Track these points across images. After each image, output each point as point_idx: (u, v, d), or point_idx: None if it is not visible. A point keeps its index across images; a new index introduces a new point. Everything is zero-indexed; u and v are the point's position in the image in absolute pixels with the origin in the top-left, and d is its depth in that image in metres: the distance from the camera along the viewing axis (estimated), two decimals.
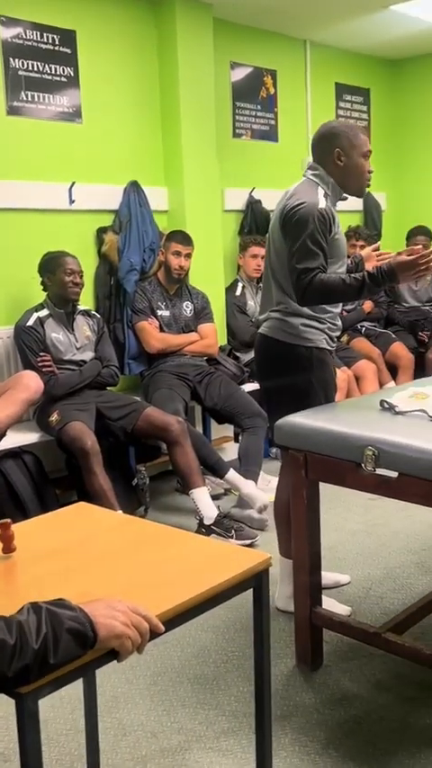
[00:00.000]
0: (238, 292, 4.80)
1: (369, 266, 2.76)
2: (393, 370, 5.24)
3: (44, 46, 3.98)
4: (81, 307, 3.84)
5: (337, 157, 2.61)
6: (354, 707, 2.26)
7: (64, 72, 4.07)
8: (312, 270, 2.47)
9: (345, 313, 4.88)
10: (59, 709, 2.27)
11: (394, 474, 2.11)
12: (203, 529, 3.49)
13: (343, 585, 3.01)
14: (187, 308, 4.29)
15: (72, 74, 4.11)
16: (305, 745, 2.09)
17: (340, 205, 2.72)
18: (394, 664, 2.44)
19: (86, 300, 4.06)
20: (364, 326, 5.40)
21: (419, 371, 5.09)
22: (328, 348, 2.72)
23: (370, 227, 5.89)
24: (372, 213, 6.00)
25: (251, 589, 1.51)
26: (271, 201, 5.12)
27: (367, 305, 5.39)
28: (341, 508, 3.75)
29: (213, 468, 3.84)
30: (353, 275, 2.54)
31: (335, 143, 2.61)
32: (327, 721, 2.20)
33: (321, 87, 5.67)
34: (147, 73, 4.45)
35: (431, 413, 2.28)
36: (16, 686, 1.10)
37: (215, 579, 1.42)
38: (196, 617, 1.40)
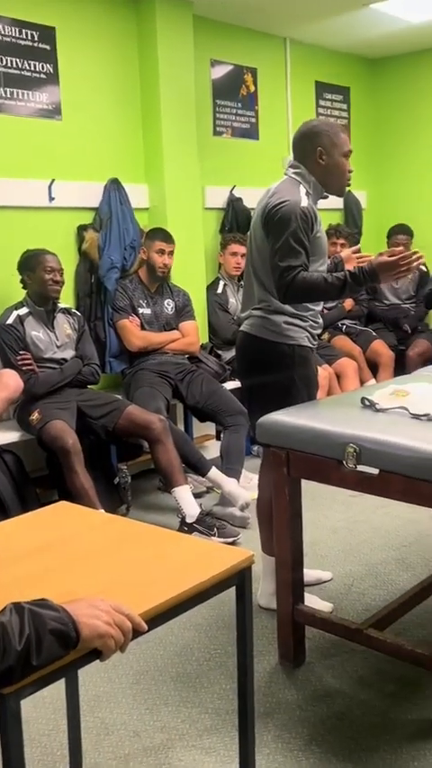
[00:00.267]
0: (220, 290, 4.80)
1: (350, 267, 2.77)
2: (374, 368, 5.27)
3: (23, 42, 3.95)
4: (61, 305, 3.82)
5: (318, 156, 2.62)
6: (336, 703, 2.28)
7: (43, 69, 4.04)
8: (295, 268, 2.48)
9: (326, 311, 4.90)
10: (41, 708, 2.26)
11: (375, 471, 2.12)
12: (186, 527, 3.49)
13: (325, 582, 3.02)
14: (168, 305, 4.28)
15: (51, 70, 4.08)
16: (288, 742, 2.10)
17: (321, 203, 2.73)
18: (376, 660, 2.45)
19: (67, 298, 4.04)
20: (344, 324, 5.42)
21: (400, 369, 5.12)
22: (310, 346, 2.72)
23: (350, 225, 5.91)
24: (352, 212, 6.02)
25: (234, 587, 1.51)
26: (252, 199, 5.11)
27: (348, 303, 5.41)
28: (323, 505, 3.76)
29: (195, 466, 3.84)
30: (335, 274, 2.55)
31: (316, 142, 2.62)
32: (309, 718, 2.21)
33: (301, 85, 5.68)
34: (127, 70, 4.44)
35: (412, 410, 2.29)
36: None
37: (198, 577, 1.42)
38: (179, 615, 1.40)
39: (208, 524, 3.49)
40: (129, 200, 4.32)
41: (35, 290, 3.69)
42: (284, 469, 2.36)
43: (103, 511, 3.19)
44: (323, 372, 4.42)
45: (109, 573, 1.46)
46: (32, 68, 4.00)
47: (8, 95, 3.91)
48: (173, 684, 2.40)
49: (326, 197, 2.73)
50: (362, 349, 5.25)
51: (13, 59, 3.91)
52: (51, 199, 4.07)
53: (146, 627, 1.25)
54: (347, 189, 2.81)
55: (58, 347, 3.72)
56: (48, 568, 1.47)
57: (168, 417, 3.83)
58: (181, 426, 4.38)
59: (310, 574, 2.88)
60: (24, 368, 3.55)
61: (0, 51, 3.85)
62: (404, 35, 5.53)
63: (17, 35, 3.92)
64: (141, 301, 4.20)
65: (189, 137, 4.58)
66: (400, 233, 5.72)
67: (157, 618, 1.33)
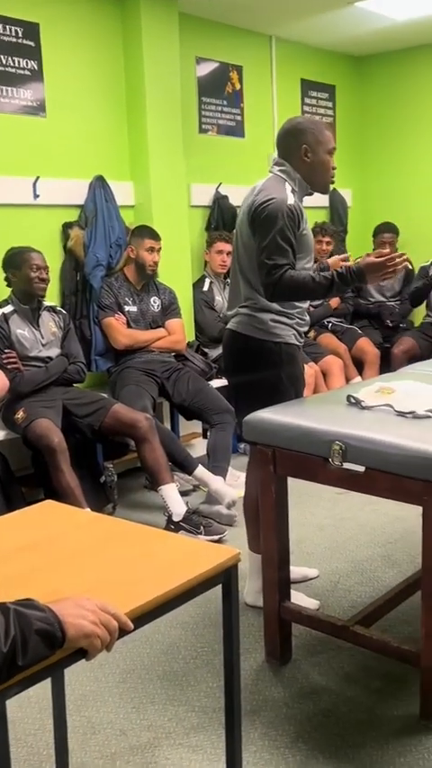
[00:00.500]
0: (206, 288, 4.80)
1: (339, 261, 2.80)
2: (360, 366, 5.28)
3: (7, 38, 3.92)
4: (46, 303, 3.80)
5: (303, 154, 2.63)
6: (322, 700, 2.28)
7: (27, 65, 4.02)
8: (282, 266, 2.48)
9: (312, 309, 4.91)
10: (27, 708, 2.25)
11: (361, 468, 2.13)
12: (172, 525, 3.49)
13: (311, 579, 3.03)
14: (154, 303, 4.27)
15: (36, 67, 4.06)
16: (275, 740, 2.10)
17: (307, 201, 2.74)
18: (362, 656, 2.46)
19: (52, 296, 4.02)
20: (330, 322, 5.43)
21: (385, 366, 5.14)
22: (297, 343, 2.73)
23: (336, 223, 5.93)
24: (338, 210, 6.04)
25: (220, 585, 1.51)
26: (237, 197, 5.12)
27: (334, 301, 5.42)
28: (309, 503, 3.77)
29: (182, 464, 3.84)
30: (322, 273, 2.57)
31: (301, 139, 2.62)
32: (296, 715, 2.21)
33: (287, 83, 5.69)
34: (112, 67, 4.42)
35: (397, 407, 2.30)
36: None
37: (184, 576, 1.41)
38: (165, 614, 1.39)
39: (194, 522, 3.49)
40: (114, 197, 4.31)
41: (20, 288, 3.67)
42: (271, 467, 2.36)
43: (89, 510, 3.18)
44: (309, 370, 4.43)
45: (95, 572, 1.46)
46: (17, 65, 3.98)
47: None
48: (159, 683, 2.39)
49: (311, 194, 2.73)
50: (347, 347, 5.27)
51: None
52: (36, 196, 4.05)
53: (132, 626, 1.24)
54: (332, 186, 2.81)
55: (43, 345, 3.71)
56: (33, 568, 1.47)
57: (155, 416, 3.83)
58: (167, 424, 4.37)
59: (296, 571, 2.87)
60: (9, 366, 3.53)
61: None
62: (389, 33, 5.54)
63: (1, 31, 3.89)
64: (127, 299, 4.19)
65: (175, 134, 4.57)
66: (385, 231, 5.74)
67: (144, 617, 1.32)
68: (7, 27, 3.91)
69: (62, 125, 4.19)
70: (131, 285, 4.23)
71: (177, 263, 4.61)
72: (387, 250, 2.69)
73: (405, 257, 2.56)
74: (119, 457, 4.06)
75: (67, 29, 4.18)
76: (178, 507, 3.53)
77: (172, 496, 3.56)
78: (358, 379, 5.09)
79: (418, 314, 5.76)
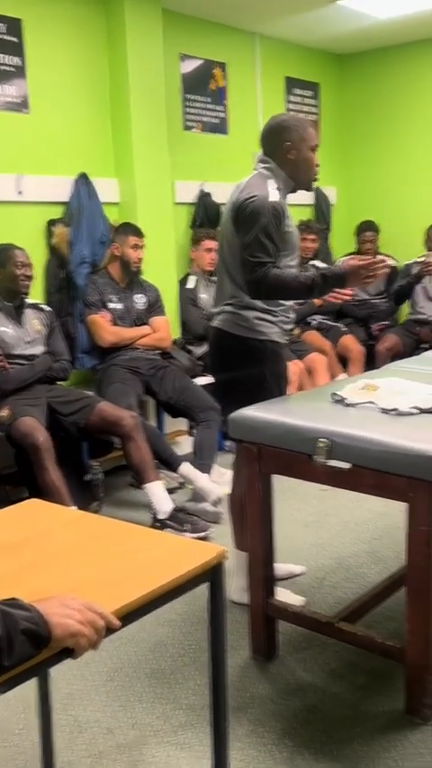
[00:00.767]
0: (191, 285, 4.79)
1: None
2: (344, 363, 5.30)
3: None
4: (30, 300, 3.79)
5: (287, 151, 2.63)
6: (308, 696, 2.29)
7: (10, 61, 4.00)
8: (265, 263, 2.48)
9: (296, 306, 4.91)
10: (12, 708, 2.25)
11: (346, 465, 2.13)
12: (158, 523, 3.49)
13: (297, 576, 3.04)
14: (139, 300, 4.26)
15: (19, 63, 4.04)
16: (261, 736, 2.11)
17: (291, 199, 2.74)
18: (347, 652, 2.47)
19: (36, 294, 4.01)
20: (315, 319, 5.44)
21: (370, 364, 5.16)
22: (281, 341, 2.73)
23: (320, 221, 5.94)
24: (321, 207, 6.05)
25: (206, 582, 1.51)
26: (222, 194, 5.12)
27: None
28: (294, 500, 3.78)
29: (167, 461, 3.83)
30: (305, 274, 2.57)
31: (285, 137, 2.63)
32: (282, 711, 2.22)
33: (271, 81, 5.69)
34: (95, 63, 4.40)
35: (381, 404, 2.31)
36: None
37: (170, 574, 1.41)
38: (152, 612, 1.39)
39: (180, 520, 3.49)
40: (98, 194, 4.29)
41: (4, 286, 3.65)
42: (256, 465, 2.36)
43: (74, 508, 3.17)
44: (294, 367, 4.44)
45: (81, 570, 1.46)
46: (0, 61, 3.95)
47: None
48: (146, 681, 2.39)
49: (295, 191, 2.74)
50: (332, 344, 5.28)
51: None
52: (19, 193, 4.03)
53: (118, 624, 1.24)
54: (317, 184, 2.82)
55: (27, 343, 3.69)
56: (19, 567, 1.46)
57: (140, 413, 3.82)
58: (153, 422, 4.37)
59: (282, 568, 2.89)
60: None
61: None
62: (372, 31, 5.56)
63: None
64: (112, 296, 4.18)
65: (159, 131, 4.56)
66: (367, 230, 5.76)
67: (130, 615, 1.32)
68: None
69: (46, 121, 4.17)
70: (116, 282, 4.22)
71: (162, 261, 4.61)
72: (369, 257, 2.69)
73: (385, 263, 2.59)
74: (104, 455, 4.05)
75: (50, 25, 4.16)
76: (164, 505, 3.53)
77: (158, 494, 3.55)
78: (343, 376, 5.11)
79: (403, 311, 5.79)
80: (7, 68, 3.99)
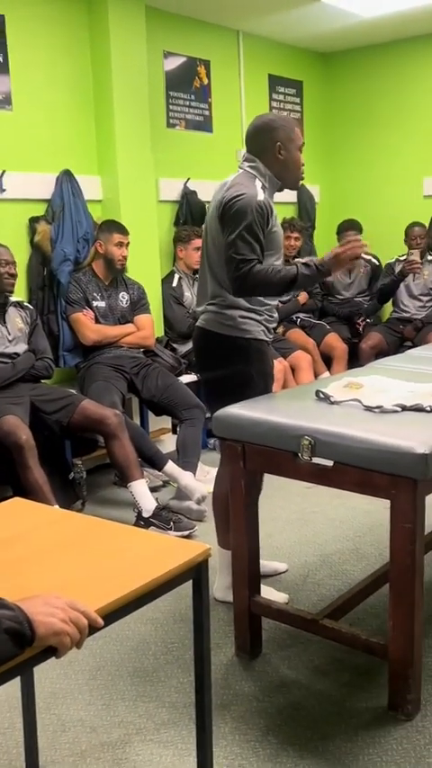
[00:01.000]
0: (175, 283, 4.78)
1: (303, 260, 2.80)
2: (328, 361, 5.32)
3: None
4: (13, 298, 3.76)
5: (277, 151, 2.63)
6: (292, 693, 2.30)
7: None
8: (250, 261, 2.48)
9: (280, 304, 4.92)
10: None
11: (330, 463, 2.14)
12: (142, 521, 3.48)
13: (281, 573, 3.04)
14: (123, 298, 4.25)
15: (1, 59, 4.01)
16: (245, 734, 2.11)
17: (275, 197, 2.74)
18: (331, 649, 2.48)
19: (19, 291, 3.98)
20: (299, 318, 5.46)
21: (353, 361, 5.18)
22: (266, 339, 2.73)
23: (304, 219, 5.95)
24: (306, 205, 6.06)
25: (190, 580, 1.51)
26: (206, 192, 5.12)
27: (302, 296, 5.45)
28: (278, 497, 3.78)
29: (151, 460, 3.83)
30: (287, 268, 2.56)
31: (274, 137, 2.63)
32: (266, 709, 2.22)
33: (255, 79, 5.69)
34: (79, 60, 4.38)
35: (365, 402, 2.32)
36: None
37: (154, 572, 1.41)
38: (136, 610, 1.39)
39: (164, 518, 3.48)
40: (81, 191, 4.27)
41: None
42: (240, 463, 2.36)
43: (57, 507, 3.16)
44: (278, 365, 4.45)
45: (64, 569, 1.45)
46: None
47: None
48: (130, 679, 2.39)
49: (281, 190, 2.74)
50: (316, 342, 5.30)
51: None
52: (2, 190, 4.00)
53: (102, 623, 1.24)
54: (301, 182, 2.82)
55: (9, 341, 3.67)
56: (1, 566, 1.45)
57: (124, 411, 3.81)
58: (137, 420, 4.36)
59: (266, 565, 2.89)
60: None
61: None
62: (356, 30, 5.57)
63: None
64: (95, 294, 4.16)
65: (142, 128, 4.55)
66: (349, 229, 5.76)
67: (114, 613, 1.32)
68: None
69: (28, 118, 4.15)
70: (100, 280, 4.20)
71: (146, 259, 4.59)
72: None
73: (361, 241, 2.61)
74: (88, 453, 4.03)
75: (33, 21, 4.13)
76: (148, 503, 3.52)
77: (141, 492, 3.55)
78: (327, 374, 5.13)
79: (386, 309, 5.82)
80: None
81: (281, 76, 5.94)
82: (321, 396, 2.43)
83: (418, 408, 2.25)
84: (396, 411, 2.25)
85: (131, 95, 4.47)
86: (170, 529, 3.43)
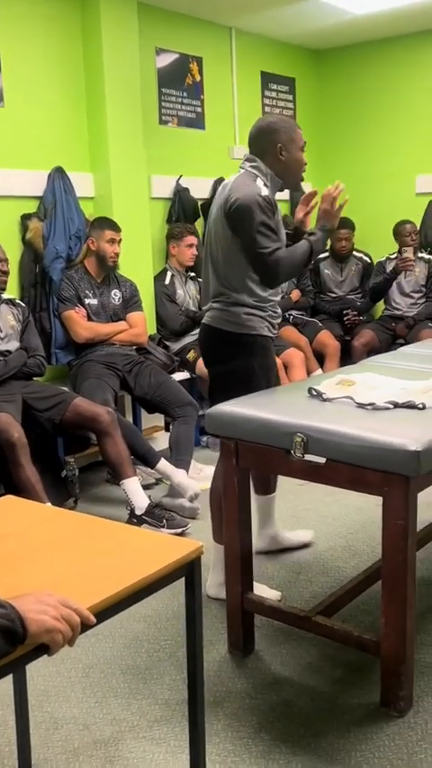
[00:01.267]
0: (167, 281, 4.78)
1: (300, 215, 3.00)
2: (320, 358, 5.32)
3: None
4: (4, 296, 3.75)
5: (279, 152, 2.71)
6: (285, 690, 2.30)
7: None
8: (273, 251, 2.60)
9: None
10: None
11: (322, 460, 2.14)
12: (135, 519, 3.48)
13: (307, 545, 3.21)
14: (115, 296, 4.24)
15: None
16: (238, 731, 2.11)
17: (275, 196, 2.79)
18: (324, 646, 2.49)
19: (11, 289, 3.97)
20: (291, 315, 5.45)
21: (346, 359, 5.19)
22: (270, 335, 2.81)
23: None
24: (298, 203, 6.04)
25: (183, 578, 1.51)
26: (198, 189, 5.13)
27: (295, 294, 5.45)
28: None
29: (144, 457, 3.82)
30: (299, 243, 2.74)
31: (275, 138, 2.70)
32: (259, 705, 2.23)
33: (247, 76, 5.68)
34: (71, 56, 4.36)
35: (358, 399, 2.32)
36: None
37: (147, 569, 1.41)
38: (128, 608, 1.39)
39: (157, 516, 3.48)
40: (73, 188, 4.26)
41: None
42: (233, 460, 2.36)
43: (50, 504, 3.16)
44: None
45: (57, 567, 1.45)
46: None
47: None
48: (122, 677, 2.39)
49: (282, 190, 2.83)
50: (308, 339, 5.30)
51: None
52: None
53: (94, 620, 1.24)
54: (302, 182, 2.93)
55: (1, 339, 3.66)
56: None
57: (116, 409, 3.81)
58: (129, 418, 4.35)
59: (291, 538, 3.17)
60: None
61: None
62: (349, 27, 5.57)
63: None
64: (88, 292, 4.16)
65: (134, 125, 4.54)
66: (342, 227, 5.76)
67: (106, 611, 1.32)
68: None
69: (20, 115, 4.13)
70: (92, 278, 4.20)
71: (138, 256, 4.59)
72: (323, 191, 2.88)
73: (334, 186, 2.82)
74: (80, 451, 4.02)
75: (25, 18, 4.11)
76: (141, 501, 3.52)
77: (134, 490, 3.54)
78: (319, 371, 5.13)
79: (378, 307, 5.82)
80: None
81: (273, 74, 5.94)
82: (314, 393, 2.43)
83: (410, 405, 2.26)
84: (388, 408, 2.25)
85: (124, 92, 4.46)
86: (163, 526, 3.43)
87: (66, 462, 3.83)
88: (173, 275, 4.80)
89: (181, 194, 5.02)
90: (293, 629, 2.50)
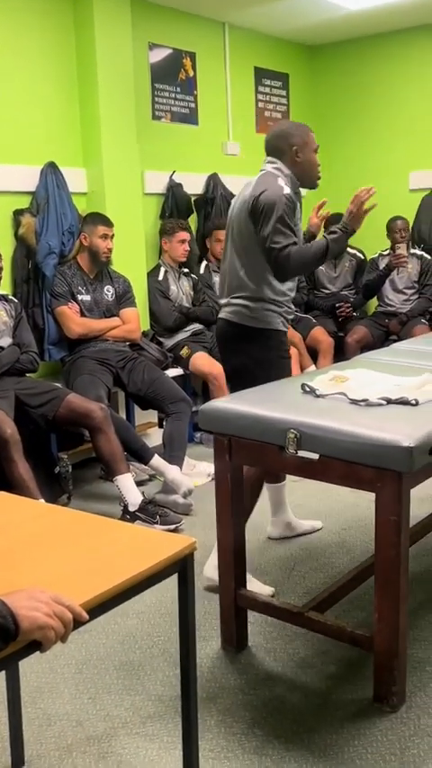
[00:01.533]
0: (161, 277, 4.77)
1: (315, 220, 3.29)
2: (314, 354, 5.33)
3: None
4: None
5: (294, 154, 2.90)
6: (278, 686, 2.30)
7: None
8: (286, 247, 2.73)
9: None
10: None
11: (315, 456, 2.14)
12: (128, 515, 3.48)
13: (318, 530, 3.36)
14: (108, 292, 4.23)
15: None
16: (231, 726, 2.11)
17: None
18: (317, 641, 2.49)
19: (3, 285, 3.95)
20: None
21: (339, 355, 5.19)
22: (284, 329, 2.96)
23: None
24: None
25: (176, 574, 1.51)
26: (192, 185, 5.12)
27: None
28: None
29: (138, 454, 3.82)
30: (316, 241, 2.91)
31: (290, 141, 2.91)
32: (252, 701, 2.23)
33: (241, 71, 5.67)
34: (64, 51, 4.34)
35: (351, 396, 2.32)
36: None
37: (140, 565, 1.41)
38: (121, 604, 1.39)
39: (150, 512, 3.48)
40: (66, 184, 4.25)
41: None
42: (227, 456, 2.36)
43: (43, 501, 3.15)
44: None
45: (49, 563, 1.45)
46: None
47: None
48: (115, 673, 2.39)
49: (299, 191, 2.95)
50: (302, 336, 5.30)
51: None
52: None
53: (87, 617, 1.24)
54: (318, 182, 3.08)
55: None
56: None
57: (109, 405, 3.80)
58: (122, 414, 4.35)
59: (303, 524, 3.32)
60: None
61: None
62: (343, 22, 5.56)
63: None
64: (80, 288, 4.14)
65: (128, 120, 4.53)
66: (334, 223, 5.76)
67: (99, 607, 1.32)
68: None
69: (13, 110, 4.11)
70: (85, 273, 4.18)
71: (131, 252, 4.57)
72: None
73: (366, 189, 2.97)
74: (73, 447, 4.02)
75: (17, 12, 4.09)
76: (134, 497, 3.52)
77: (127, 486, 3.54)
78: (313, 367, 5.14)
79: (371, 303, 5.82)
80: None
81: (267, 69, 5.93)
82: (307, 389, 2.43)
83: (403, 402, 2.26)
84: (381, 404, 2.26)
85: (117, 87, 4.44)
86: (156, 522, 3.43)
87: (59, 459, 3.82)
88: (166, 271, 4.79)
89: (174, 190, 5.01)
90: (287, 625, 2.51)
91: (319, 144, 3.00)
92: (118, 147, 4.47)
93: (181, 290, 4.82)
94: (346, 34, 5.95)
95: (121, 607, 1.42)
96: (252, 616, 2.56)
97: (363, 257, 5.77)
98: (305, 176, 2.96)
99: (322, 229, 3.06)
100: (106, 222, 4.16)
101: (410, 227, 5.59)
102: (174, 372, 4.46)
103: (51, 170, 4.20)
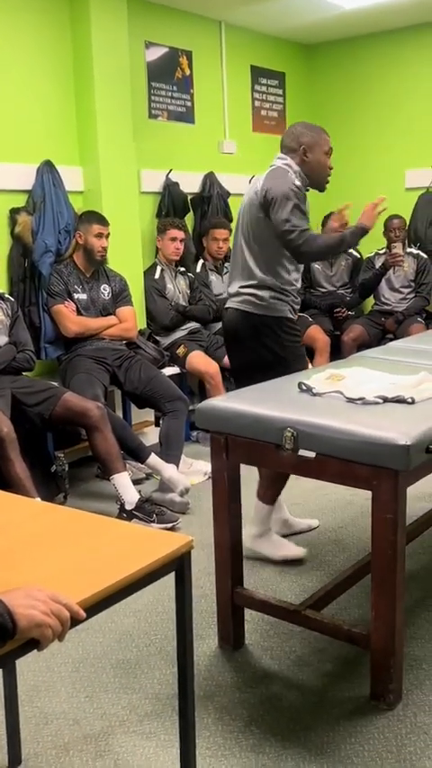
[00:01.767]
0: (157, 275, 4.76)
1: (335, 224, 3.44)
2: (310, 353, 5.32)
3: None
4: None
5: (303, 153, 2.97)
6: (275, 684, 2.31)
7: None
8: (306, 229, 2.85)
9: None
10: None
11: (312, 454, 2.14)
12: (125, 514, 3.48)
13: (315, 528, 3.38)
14: (105, 290, 4.23)
15: None
16: (228, 724, 2.12)
17: None
18: (314, 639, 2.49)
19: (0, 283, 3.96)
20: None
21: (335, 354, 5.19)
22: (293, 317, 3.05)
23: None
24: None
25: (173, 572, 1.51)
26: (188, 183, 5.12)
27: None
28: None
29: (134, 452, 3.82)
30: (334, 234, 3.09)
31: (301, 140, 2.98)
32: (249, 699, 2.23)
33: (237, 70, 5.67)
34: (60, 50, 4.34)
35: (347, 394, 2.32)
36: None
37: (137, 564, 1.41)
38: (118, 602, 1.39)
39: (147, 511, 3.48)
40: (63, 182, 4.24)
41: None
42: (223, 455, 2.36)
43: (39, 500, 3.15)
44: None
45: (46, 562, 1.44)
46: None
47: None
48: (113, 671, 2.39)
49: (308, 191, 3.03)
50: None
51: None
52: None
53: (84, 615, 1.24)
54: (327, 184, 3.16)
55: None
56: None
57: (106, 404, 3.80)
58: (119, 413, 4.35)
59: (300, 522, 3.36)
60: None
61: None
62: (339, 21, 5.57)
63: None
64: (77, 286, 4.14)
65: (124, 119, 4.52)
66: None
67: (96, 605, 1.31)
68: None
69: (9, 108, 4.11)
70: (81, 272, 4.18)
71: (128, 251, 4.57)
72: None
73: (379, 198, 3.14)
74: (70, 446, 4.02)
75: (12, 10, 4.08)
76: (131, 496, 3.52)
77: (124, 485, 3.54)
78: (309, 366, 5.13)
79: (368, 302, 5.83)
80: None
81: (263, 68, 5.92)
82: (304, 387, 2.43)
83: (399, 400, 2.26)
84: (378, 403, 2.26)
85: (113, 86, 4.44)
86: (153, 521, 3.43)
87: (55, 457, 3.82)
88: (162, 270, 4.79)
89: (171, 188, 5.01)
90: (283, 623, 2.51)
91: (331, 147, 3.06)
92: (114, 146, 4.47)
93: (177, 288, 4.82)
94: (342, 33, 5.95)
95: (118, 605, 1.42)
96: (249, 614, 2.56)
97: (359, 256, 5.77)
98: (313, 176, 3.02)
99: None
100: (101, 221, 4.15)
101: (407, 226, 5.60)
102: (170, 371, 4.46)
103: (48, 168, 4.20)
